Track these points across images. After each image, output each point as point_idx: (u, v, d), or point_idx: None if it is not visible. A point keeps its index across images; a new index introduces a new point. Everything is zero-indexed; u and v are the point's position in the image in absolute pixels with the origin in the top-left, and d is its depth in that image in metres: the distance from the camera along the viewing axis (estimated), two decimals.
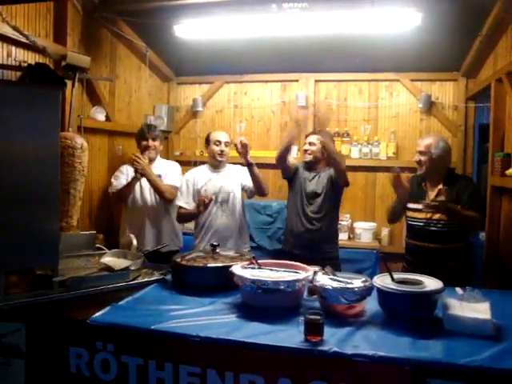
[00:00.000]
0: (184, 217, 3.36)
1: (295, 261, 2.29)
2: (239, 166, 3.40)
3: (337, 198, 3.24)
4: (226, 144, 3.32)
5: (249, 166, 3.12)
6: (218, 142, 3.30)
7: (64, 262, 2.26)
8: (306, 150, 3.26)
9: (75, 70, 3.07)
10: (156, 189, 3.36)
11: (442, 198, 2.73)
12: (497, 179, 3.32)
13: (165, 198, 3.40)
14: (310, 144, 3.23)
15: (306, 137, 3.34)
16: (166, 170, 3.48)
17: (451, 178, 2.94)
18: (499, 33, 3.42)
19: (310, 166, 3.27)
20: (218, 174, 3.34)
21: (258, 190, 3.25)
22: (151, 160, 3.44)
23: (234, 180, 3.33)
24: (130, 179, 3.38)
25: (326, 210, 3.17)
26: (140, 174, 3.27)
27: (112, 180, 3.50)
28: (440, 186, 2.87)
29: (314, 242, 3.12)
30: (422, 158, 2.91)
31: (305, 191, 3.21)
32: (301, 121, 3.21)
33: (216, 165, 3.35)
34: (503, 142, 3.45)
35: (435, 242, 2.82)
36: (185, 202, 3.29)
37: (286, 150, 3.16)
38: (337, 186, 3.18)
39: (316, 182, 3.20)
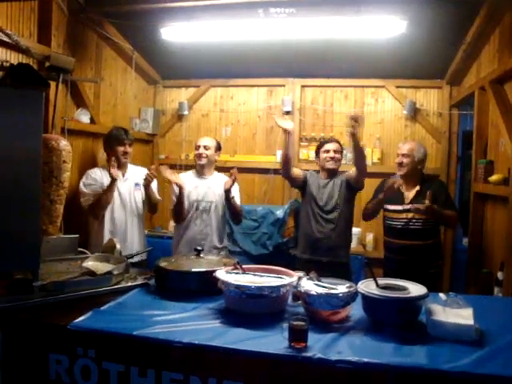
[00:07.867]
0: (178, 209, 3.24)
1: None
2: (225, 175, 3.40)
3: (351, 202, 3.22)
4: (206, 147, 3.29)
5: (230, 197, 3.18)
6: (198, 147, 3.32)
7: (45, 266, 2.21)
8: (332, 158, 3.17)
9: (59, 72, 3.03)
10: (151, 201, 3.32)
11: (427, 202, 2.93)
12: (480, 186, 3.36)
13: (153, 210, 3.40)
14: (336, 152, 3.18)
15: (325, 144, 3.26)
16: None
17: (425, 179, 3.23)
18: (482, 42, 3.47)
19: (328, 173, 3.22)
20: (203, 181, 3.33)
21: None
22: (125, 166, 3.33)
23: (218, 189, 3.28)
24: (104, 186, 3.15)
25: (341, 215, 3.15)
26: (146, 185, 3.18)
27: (83, 189, 3.16)
28: (417, 188, 3.15)
29: (330, 247, 3.10)
30: (405, 160, 3.17)
31: (320, 197, 3.16)
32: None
33: (199, 170, 3.35)
34: (486, 150, 3.49)
35: (414, 239, 3.11)
36: None
37: (288, 162, 3.09)
38: (352, 189, 3.18)
39: (331, 188, 3.16)
